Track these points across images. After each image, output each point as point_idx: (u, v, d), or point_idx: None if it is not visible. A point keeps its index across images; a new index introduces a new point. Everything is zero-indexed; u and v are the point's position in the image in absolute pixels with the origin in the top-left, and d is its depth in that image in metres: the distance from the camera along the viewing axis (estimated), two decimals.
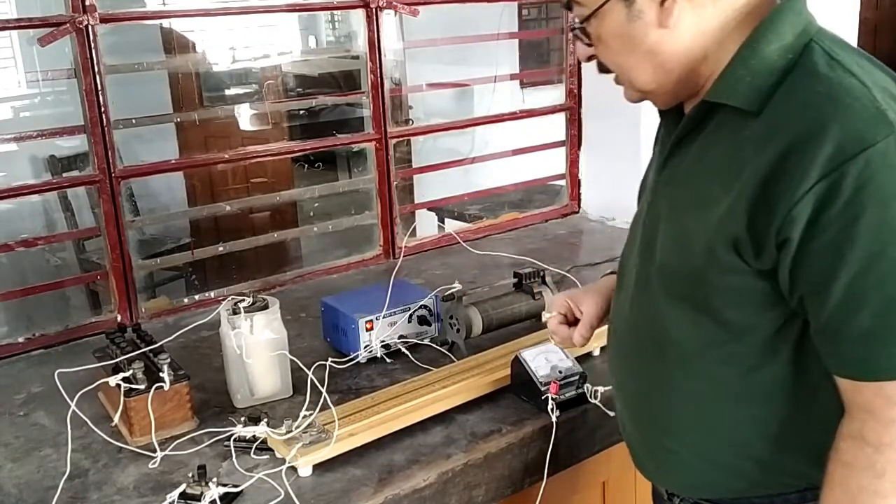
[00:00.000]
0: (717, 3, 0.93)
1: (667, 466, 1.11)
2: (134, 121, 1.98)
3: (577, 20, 1.01)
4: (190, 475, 1.21)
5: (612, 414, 1.33)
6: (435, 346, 1.64)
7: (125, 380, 1.33)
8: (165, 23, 3.55)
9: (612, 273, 1.29)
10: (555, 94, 2.68)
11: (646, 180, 1.16)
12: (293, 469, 1.23)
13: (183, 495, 1.18)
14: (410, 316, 1.62)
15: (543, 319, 1.35)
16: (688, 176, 1.00)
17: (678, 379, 1.04)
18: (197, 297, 2.04)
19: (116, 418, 1.35)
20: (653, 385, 1.07)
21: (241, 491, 1.19)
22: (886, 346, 0.86)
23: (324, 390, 1.34)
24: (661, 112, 1.10)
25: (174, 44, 3.77)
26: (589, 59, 1.04)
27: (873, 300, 0.85)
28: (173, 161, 2.23)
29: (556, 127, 2.63)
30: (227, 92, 4.02)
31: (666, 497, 1.15)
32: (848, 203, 0.83)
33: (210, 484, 1.17)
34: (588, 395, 1.41)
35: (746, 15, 0.94)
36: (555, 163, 2.66)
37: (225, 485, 1.19)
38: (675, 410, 1.05)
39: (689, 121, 1.00)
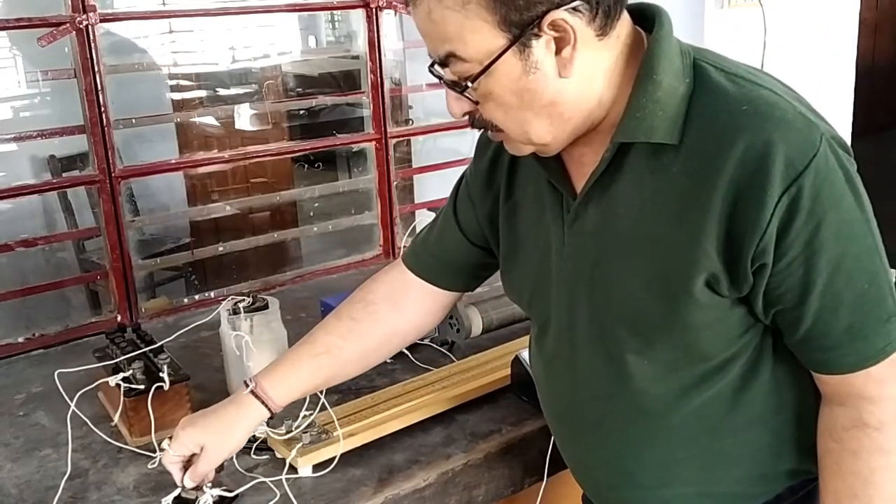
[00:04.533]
0: (606, 44, 0.88)
1: None
2: (134, 121, 1.98)
3: (456, 76, 0.90)
4: None
5: None
6: (435, 346, 1.64)
7: (125, 380, 1.33)
8: (165, 23, 3.54)
9: (250, 392, 1.15)
10: None
11: (516, 228, 1.10)
12: (293, 469, 1.23)
13: (178, 500, 1.16)
14: None
15: (163, 447, 1.16)
16: (624, 221, 0.94)
17: (663, 432, 1.00)
18: (197, 297, 2.04)
19: (116, 418, 1.36)
20: (636, 446, 1.02)
21: (237, 495, 1.18)
22: (868, 336, 0.89)
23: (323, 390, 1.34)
24: (539, 160, 0.99)
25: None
26: (464, 114, 0.94)
27: (847, 298, 0.88)
28: (173, 161, 2.23)
29: None
30: (227, 92, 4.01)
31: None
32: (809, 214, 0.84)
33: (204, 488, 1.15)
34: None
35: (631, 49, 0.91)
36: None
37: (222, 487, 1.19)
38: (669, 461, 1.02)
39: (602, 164, 0.93)
